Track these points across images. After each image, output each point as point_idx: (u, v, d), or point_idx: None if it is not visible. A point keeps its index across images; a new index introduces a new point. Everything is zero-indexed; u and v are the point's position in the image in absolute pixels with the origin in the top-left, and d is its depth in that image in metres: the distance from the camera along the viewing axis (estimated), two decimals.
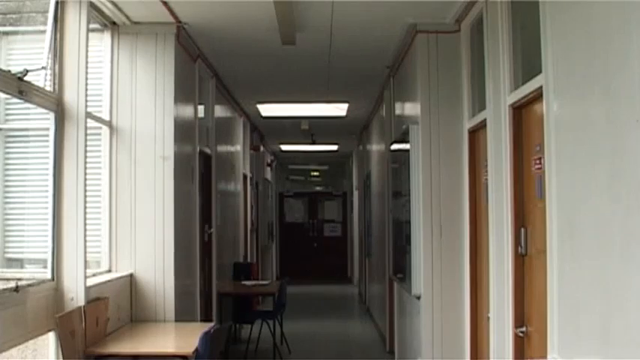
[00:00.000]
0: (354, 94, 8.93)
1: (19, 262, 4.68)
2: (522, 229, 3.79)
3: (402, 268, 6.20)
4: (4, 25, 4.72)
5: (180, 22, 5.47)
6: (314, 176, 19.25)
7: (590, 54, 2.73)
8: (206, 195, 6.94)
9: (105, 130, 5.32)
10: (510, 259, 3.89)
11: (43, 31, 4.38)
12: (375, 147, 9.90)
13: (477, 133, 5.01)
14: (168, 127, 5.43)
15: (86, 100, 4.45)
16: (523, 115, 3.89)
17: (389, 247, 7.61)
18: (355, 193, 15.22)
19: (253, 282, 8.89)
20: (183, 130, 5.81)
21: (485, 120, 4.52)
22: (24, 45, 4.74)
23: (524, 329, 3.76)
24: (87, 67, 4.47)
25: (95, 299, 4.53)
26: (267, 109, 9.95)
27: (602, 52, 2.60)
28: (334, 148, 14.57)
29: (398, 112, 6.98)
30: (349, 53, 6.66)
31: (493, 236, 4.26)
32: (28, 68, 3.95)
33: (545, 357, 3.20)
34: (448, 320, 5.24)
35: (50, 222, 4.30)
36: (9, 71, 3.84)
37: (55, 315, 4.08)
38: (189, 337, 4.65)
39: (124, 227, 5.33)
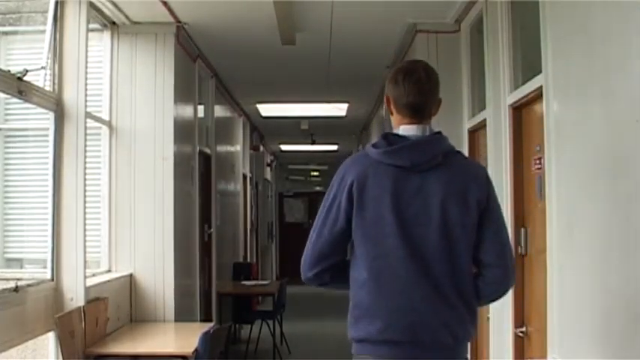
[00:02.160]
0: (354, 94, 8.93)
1: (19, 262, 4.68)
2: (522, 229, 3.78)
3: None
4: (4, 25, 4.72)
5: (180, 22, 5.47)
6: (314, 176, 19.23)
7: (590, 54, 2.73)
8: (206, 195, 6.94)
9: (105, 130, 5.32)
10: None
11: (43, 31, 4.37)
12: None
13: (476, 133, 5.01)
14: (168, 127, 5.43)
15: (86, 100, 4.44)
16: (523, 115, 3.88)
17: None
18: None
19: (253, 282, 8.89)
20: (182, 130, 5.81)
21: (485, 120, 4.52)
22: (24, 45, 4.74)
23: (524, 329, 3.76)
24: (86, 67, 4.46)
25: (95, 299, 4.53)
26: (267, 109, 9.94)
27: (601, 53, 2.60)
28: (334, 148, 14.56)
29: None
30: (349, 53, 6.66)
31: None
32: (28, 68, 3.95)
33: (545, 357, 3.20)
34: None
35: (50, 222, 4.30)
36: (9, 71, 3.84)
37: (55, 315, 4.08)
38: (189, 337, 4.65)
39: (123, 227, 5.32)
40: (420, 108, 2.30)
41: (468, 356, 2.35)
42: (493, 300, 2.40)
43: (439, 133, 2.33)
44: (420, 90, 2.29)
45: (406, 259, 2.19)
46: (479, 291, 2.27)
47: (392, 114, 2.37)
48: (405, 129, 2.31)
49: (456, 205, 2.21)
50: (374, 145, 2.29)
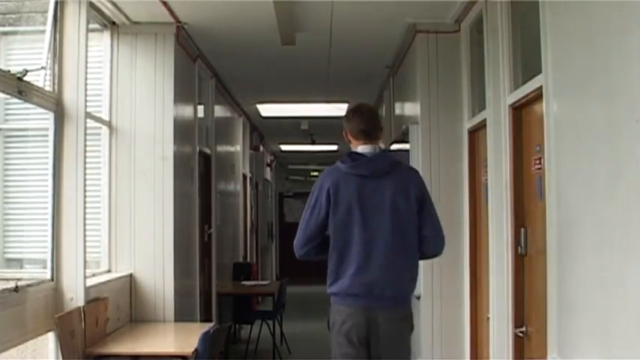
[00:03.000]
0: (354, 95, 8.91)
1: (19, 262, 4.68)
2: (522, 229, 3.78)
3: None
4: (4, 25, 4.72)
5: (179, 22, 5.47)
6: (314, 176, 19.21)
7: (590, 54, 2.73)
8: (206, 195, 6.94)
9: (104, 130, 5.32)
10: (510, 259, 3.89)
11: (43, 31, 4.37)
12: None
13: (476, 133, 5.01)
14: (167, 127, 5.43)
15: (86, 100, 4.44)
16: (523, 115, 3.88)
17: None
18: None
19: (253, 282, 8.89)
20: (182, 131, 5.81)
21: (485, 120, 4.52)
22: (24, 45, 4.74)
23: (524, 329, 3.76)
24: (86, 67, 4.46)
25: (95, 299, 4.53)
26: (267, 109, 9.94)
27: (602, 52, 2.60)
28: (334, 148, 14.55)
29: (398, 112, 6.97)
30: (349, 53, 6.66)
31: (493, 236, 4.26)
32: (28, 68, 3.95)
33: (545, 357, 3.20)
34: (448, 320, 5.23)
35: (50, 222, 4.30)
36: (8, 71, 3.84)
37: (55, 315, 4.08)
38: (188, 337, 4.65)
39: (123, 227, 5.32)
40: (368, 133, 3.39)
41: (412, 310, 3.38)
42: (433, 257, 3.54)
43: (385, 150, 3.56)
44: (366, 120, 3.41)
45: (367, 240, 3.25)
46: (424, 253, 3.40)
47: (350, 142, 3.44)
48: (362, 148, 3.39)
49: (402, 198, 3.28)
50: (342, 161, 3.35)
